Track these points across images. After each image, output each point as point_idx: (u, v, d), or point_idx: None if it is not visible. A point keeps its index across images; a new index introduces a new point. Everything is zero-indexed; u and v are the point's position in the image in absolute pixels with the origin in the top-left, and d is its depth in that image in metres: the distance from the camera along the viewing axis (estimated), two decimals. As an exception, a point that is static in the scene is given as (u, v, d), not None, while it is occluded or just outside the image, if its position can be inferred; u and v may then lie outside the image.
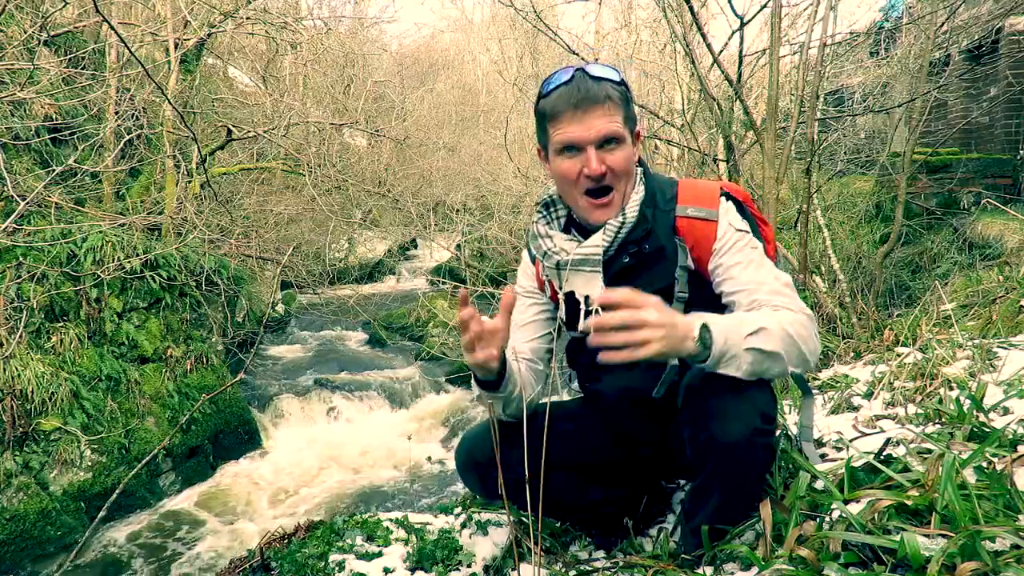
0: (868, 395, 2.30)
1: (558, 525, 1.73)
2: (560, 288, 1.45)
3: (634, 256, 1.37)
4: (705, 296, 1.36)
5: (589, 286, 1.39)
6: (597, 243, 1.37)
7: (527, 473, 1.22)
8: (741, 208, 1.40)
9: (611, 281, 1.39)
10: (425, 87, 17.14)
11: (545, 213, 1.50)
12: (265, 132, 7.78)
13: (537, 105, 1.39)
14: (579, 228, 1.46)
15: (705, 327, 1.14)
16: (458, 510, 1.92)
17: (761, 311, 1.24)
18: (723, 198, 1.38)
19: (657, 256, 1.38)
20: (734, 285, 1.31)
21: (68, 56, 6.90)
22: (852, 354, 3.50)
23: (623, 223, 1.36)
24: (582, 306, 1.41)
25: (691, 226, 1.36)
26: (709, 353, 1.14)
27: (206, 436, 6.12)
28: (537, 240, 1.45)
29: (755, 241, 1.35)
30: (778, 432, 1.60)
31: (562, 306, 1.47)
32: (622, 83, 1.35)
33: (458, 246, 12.32)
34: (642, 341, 1.08)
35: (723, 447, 1.22)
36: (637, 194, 1.39)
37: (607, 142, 1.32)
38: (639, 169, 1.43)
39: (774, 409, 1.27)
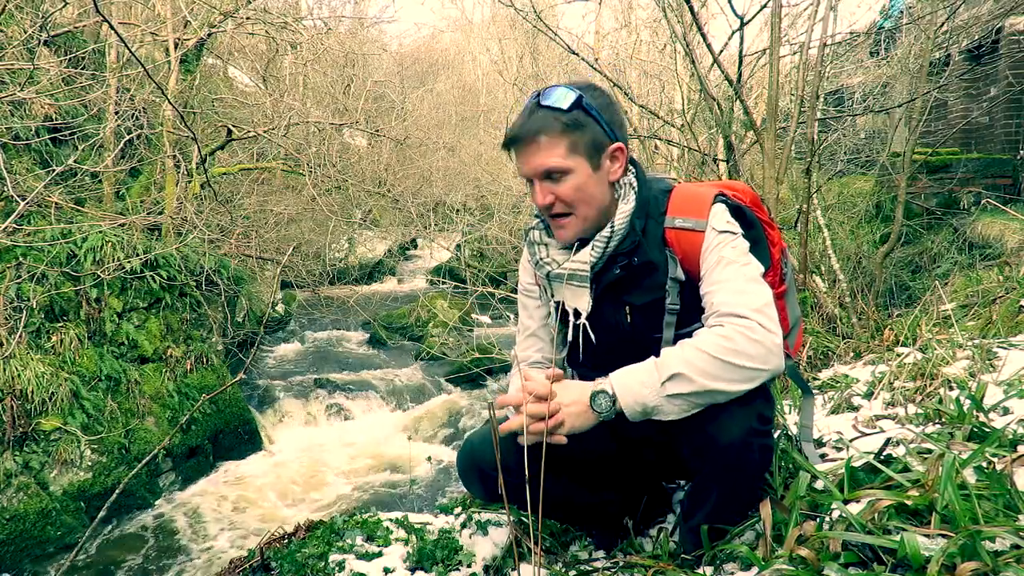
0: (868, 395, 2.30)
1: (558, 525, 1.74)
2: (551, 296, 1.48)
3: (625, 268, 1.37)
4: (696, 307, 1.35)
5: (577, 299, 1.42)
6: (585, 259, 1.38)
7: (527, 475, 1.22)
8: (737, 211, 1.39)
9: (603, 292, 1.41)
10: (425, 87, 17.13)
11: (542, 219, 1.50)
12: (265, 132, 7.77)
13: None
14: None
15: (598, 394, 1.23)
16: (458, 510, 1.92)
17: (682, 347, 1.23)
18: (715, 204, 1.36)
19: (648, 268, 1.37)
20: (705, 286, 1.32)
21: (68, 56, 6.89)
22: (852, 354, 3.51)
23: (611, 236, 1.36)
24: (571, 318, 1.44)
25: (679, 237, 1.35)
26: (619, 414, 1.23)
27: (206, 436, 6.12)
28: (532, 247, 1.47)
29: (736, 240, 1.33)
30: (777, 432, 1.60)
31: (554, 312, 1.50)
32: (575, 108, 1.31)
33: (458, 246, 12.33)
34: (556, 424, 1.25)
35: (719, 448, 1.23)
36: (627, 205, 1.37)
37: (549, 175, 1.33)
38: (627, 180, 1.41)
39: (771, 410, 1.27)
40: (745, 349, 1.18)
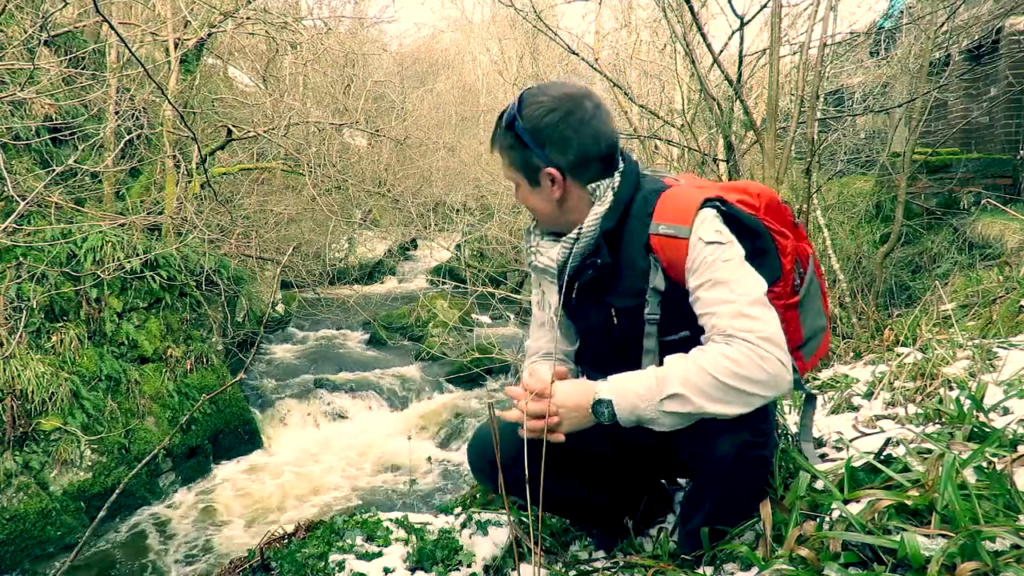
0: (868, 395, 2.30)
1: (558, 525, 1.74)
2: (539, 285, 1.54)
3: (595, 269, 1.36)
4: (681, 315, 1.31)
5: (551, 293, 1.49)
6: (553, 257, 1.40)
7: (528, 474, 1.23)
8: (731, 218, 1.32)
9: (582, 293, 1.43)
10: (425, 87, 17.13)
11: None
12: (265, 132, 7.77)
13: None
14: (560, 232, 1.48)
15: (599, 404, 1.23)
16: (458, 510, 1.92)
17: (687, 361, 1.20)
18: (703, 209, 1.29)
19: (627, 272, 1.35)
20: (699, 307, 1.27)
21: (68, 56, 6.89)
22: (852, 354, 3.51)
23: (577, 238, 1.35)
24: (546, 310, 1.51)
25: (663, 244, 1.30)
26: (616, 421, 1.23)
27: (206, 436, 6.12)
28: (529, 236, 1.51)
29: (728, 251, 1.25)
30: (778, 432, 1.60)
31: (541, 301, 1.57)
32: (508, 129, 1.34)
33: (458, 246, 12.32)
34: (555, 423, 1.26)
35: (713, 460, 1.25)
36: (601, 207, 1.34)
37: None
38: (610, 181, 1.36)
39: (766, 422, 1.28)
40: (752, 375, 1.15)
